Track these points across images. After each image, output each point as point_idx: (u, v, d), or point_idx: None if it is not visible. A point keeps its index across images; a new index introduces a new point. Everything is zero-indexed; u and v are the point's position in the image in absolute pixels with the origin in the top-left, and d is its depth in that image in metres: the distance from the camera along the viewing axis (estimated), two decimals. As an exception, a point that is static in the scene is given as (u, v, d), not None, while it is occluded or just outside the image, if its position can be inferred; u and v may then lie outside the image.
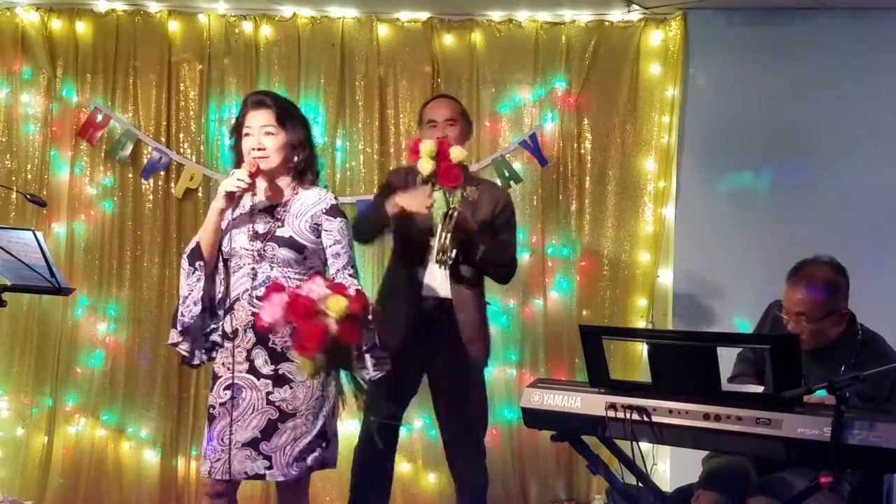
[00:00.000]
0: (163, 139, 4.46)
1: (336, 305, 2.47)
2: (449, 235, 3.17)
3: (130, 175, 4.47)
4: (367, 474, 3.49)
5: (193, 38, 4.49)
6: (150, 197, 4.46)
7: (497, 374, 4.42)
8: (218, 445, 2.74)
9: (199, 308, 2.75)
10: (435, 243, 3.22)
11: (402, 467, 4.40)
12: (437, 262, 3.23)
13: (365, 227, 3.42)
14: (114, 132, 4.44)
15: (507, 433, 4.41)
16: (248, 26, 4.48)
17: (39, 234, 3.08)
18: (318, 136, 4.47)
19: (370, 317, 2.63)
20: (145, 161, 4.44)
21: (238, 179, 2.70)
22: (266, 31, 4.48)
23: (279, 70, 4.48)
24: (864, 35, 4.28)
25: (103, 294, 4.44)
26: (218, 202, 2.75)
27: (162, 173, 4.45)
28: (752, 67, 4.35)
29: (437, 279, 3.36)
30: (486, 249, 3.34)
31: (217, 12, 4.48)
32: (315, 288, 2.54)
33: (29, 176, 4.46)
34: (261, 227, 2.78)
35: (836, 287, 2.81)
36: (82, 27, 4.47)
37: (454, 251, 3.22)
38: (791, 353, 2.46)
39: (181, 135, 4.48)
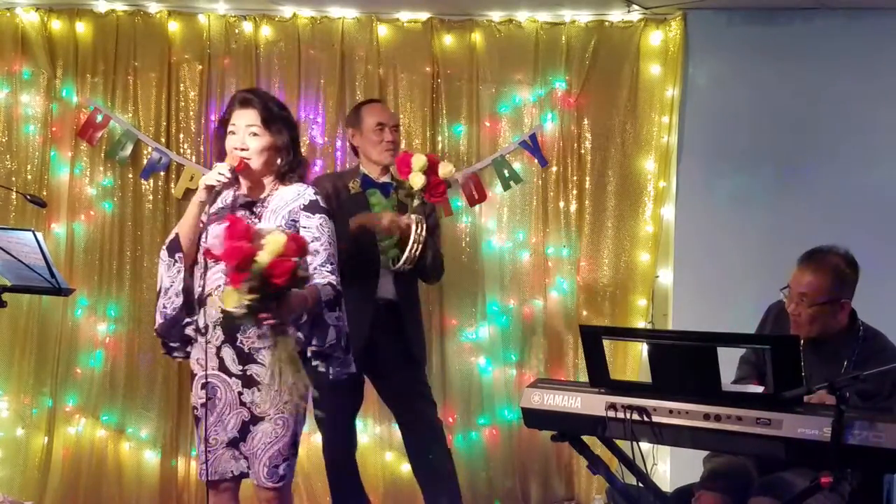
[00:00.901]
0: (163, 139, 4.46)
1: (273, 240, 2.46)
2: (419, 246, 3.25)
3: (130, 175, 4.47)
4: (343, 474, 3.57)
5: (193, 38, 4.49)
6: (150, 197, 4.46)
7: (497, 374, 4.42)
8: (205, 446, 2.73)
9: (180, 300, 2.74)
10: (389, 249, 3.34)
11: (402, 467, 4.40)
12: (400, 269, 3.32)
13: None
14: (114, 132, 4.44)
15: (507, 433, 4.41)
16: (248, 26, 4.48)
17: (39, 235, 3.08)
18: (318, 136, 4.49)
19: (306, 276, 2.59)
20: (145, 161, 4.44)
21: (219, 174, 2.69)
22: (266, 31, 4.48)
23: (279, 70, 4.48)
24: (864, 35, 4.27)
25: (103, 294, 4.44)
26: (198, 195, 2.74)
27: (162, 173, 4.45)
28: (752, 67, 4.35)
29: (385, 283, 3.45)
30: (433, 254, 3.47)
31: (217, 12, 4.48)
32: (267, 226, 2.63)
33: (29, 176, 4.46)
34: None
35: (843, 277, 2.84)
36: (82, 27, 4.47)
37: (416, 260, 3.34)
38: (791, 354, 2.46)
39: (181, 135, 4.48)
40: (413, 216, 3.28)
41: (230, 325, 2.66)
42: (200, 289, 2.74)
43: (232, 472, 2.72)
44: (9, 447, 4.42)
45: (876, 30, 4.27)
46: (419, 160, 3.18)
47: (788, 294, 2.88)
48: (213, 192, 2.73)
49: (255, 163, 2.75)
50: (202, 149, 4.49)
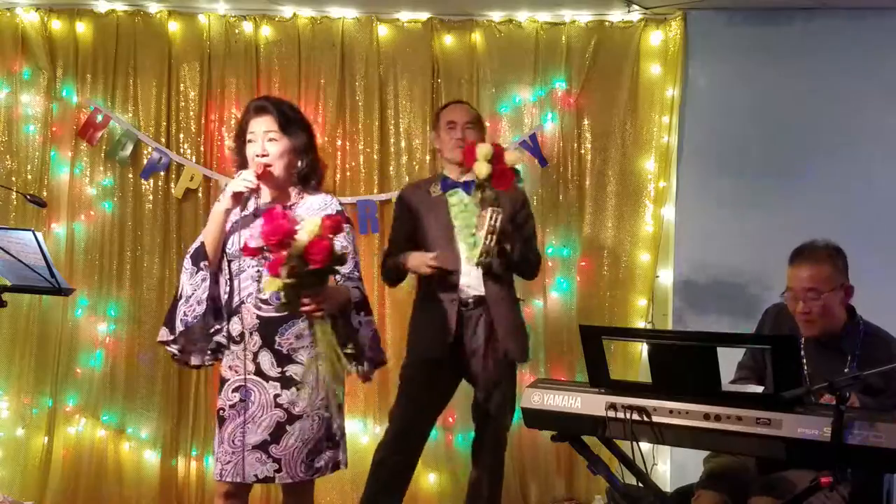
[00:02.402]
0: (163, 139, 4.46)
1: (310, 220, 2.58)
2: (494, 237, 3.25)
3: (130, 175, 4.47)
4: (387, 474, 3.49)
5: (193, 38, 4.49)
6: (150, 197, 4.47)
7: (497, 374, 4.42)
8: (228, 447, 2.74)
9: (202, 308, 2.75)
10: (477, 244, 3.30)
11: (402, 467, 4.40)
12: (478, 263, 3.31)
13: (390, 275, 3.60)
14: (114, 132, 4.45)
15: (508, 433, 4.39)
16: (248, 26, 4.48)
17: (39, 235, 3.08)
18: (318, 136, 4.48)
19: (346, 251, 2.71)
20: (145, 161, 4.44)
21: (245, 180, 2.71)
22: (266, 31, 4.49)
23: (279, 70, 4.48)
24: (864, 35, 4.28)
25: (103, 294, 4.44)
26: (224, 203, 2.76)
27: (162, 173, 4.46)
28: (752, 67, 4.35)
29: (471, 279, 3.44)
30: (519, 248, 3.43)
31: (217, 12, 4.48)
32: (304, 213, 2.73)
33: (29, 176, 4.46)
34: None
35: (839, 261, 2.88)
36: (82, 27, 4.47)
37: (495, 252, 3.33)
38: (791, 353, 2.46)
39: (181, 135, 4.48)
40: (489, 209, 3.27)
41: (281, 311, 2.69)
42: (227, 296, 2.78)
43: (256, 475, 2.73)
44: (9, 447, 4.42)
45: (876, 30, 4.27)
46: (484, 148, 3.22)
47: (790, 296, 2.89)
48: (240, 200, 2.76)
49: (277, 168, 2.79)
50: (202, 149, 4.49)
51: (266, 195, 2.85)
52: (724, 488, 2.77)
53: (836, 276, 2.84)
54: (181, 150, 4.48)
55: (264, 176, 2.76)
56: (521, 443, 4.41)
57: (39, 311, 4.41)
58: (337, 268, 2.74)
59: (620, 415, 2.54)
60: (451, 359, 3.44)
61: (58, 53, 4.47)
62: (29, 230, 3.11)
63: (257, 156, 2.77)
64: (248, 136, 2.81)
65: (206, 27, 4.48)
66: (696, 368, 2.50)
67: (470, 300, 3.44)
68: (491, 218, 3.24)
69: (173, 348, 2.84)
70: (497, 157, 3.24)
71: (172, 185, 4.46)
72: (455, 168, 3.53)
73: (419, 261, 3.40)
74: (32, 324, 4.42)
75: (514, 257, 3.41)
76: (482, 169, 3.20)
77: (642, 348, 4.19)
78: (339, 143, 4.48)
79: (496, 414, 3.52)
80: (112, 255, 4.45)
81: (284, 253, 2.54)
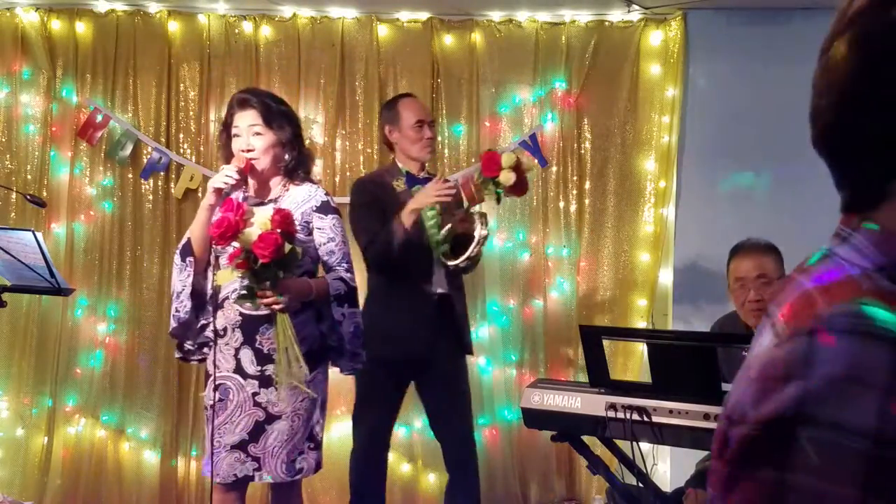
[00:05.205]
0: (163, 139, 4.46)
1: (260, 214, 2.59)
2: (480, 246, 3.28)
3: (130, 175, 4.47)
4: (369, 476, 3.50)
5: (193, 38, 4.49)
6: (150, 197, 4.47)
7: (497, 374, 4.42)
8: (209, 448, 2.75)
9: (190, 303, 2.77)
10: (442, 243, 3.30)
11: (402, 467, 4.40)
12: (462, 264, 3.32)
13: (385, 249, 3.27)
14: (114, 132, 4.44)
15: (507, 433, 4.41)
16: (248, 26, 4.48)
17: (39, 235, 3.08)
18: (318, 136, 4.49)
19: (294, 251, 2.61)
20: (145, 161, 4.44)
21: (226, 176, 2.69)
22: (266, 31, 4.49)
23: (279, 70, 4.48)
24: (864, 35, 4.27)
25: (103, 294, 4.44)
26: (207, 198, 2.76)
27: (162, 173, 4.45)
28: (752, 67, 4.35)
29: (439, 277, 3.43)
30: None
31: (217, 12, 4.48)
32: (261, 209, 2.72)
33: (29, 176, 4.46)
34: None
35: (778, 254, 2.99)
36: (82, 27, 4.47)
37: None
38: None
39: (181, 135, 4.48)
40: (476, 214, 3.28)
41: (242, 305, 2.70)
42: (212, 290, 2.79)
43: (235, 475, 2.73)
44: (9, 447, 4.42)
45: (876, 30, 4.27)
46: (510, 158, 3.22)
47: (738, 287, 2.95)
48: (221, 195, 2.75)
49: (263, 162, 2.78)
50: (202, 149, 4.49)
51: (252, 189, 2.85)
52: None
53: (778, 266, 2.94)
54: (181, 150, 4.47)
55: (249, 170, 2.75)
56: (521, 443, 4.41)
57: (39, 311, 4.41)
58: (324, 258, 2.76)
59: (620, 415, 2.54)
60: (412, 355, 3.40)
61: (57, 53, 4.47)
62: (29, 230, 3.11)
63: (241, 150, 2.76)
64: (234, 131, 2.79)
65: (205, 27, 4.48)
66: (696, 368, 2.51)
67: (439, 296, 3.44)
68: (481, 226, 3.23)
69: (187, 344, 2.87)
70: (517, 165, 3.25)
71: (172, 185, 4.45)
72: (414, 165, 3.51)
73: (425, 194, 3.24)
74: (32, 324, 4.42)
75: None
76: (509, 177, 3.18)
77: (642, 348, 4.18)
78: (339, 143, 4.48)
79: (464, 413, 3.53)
80: (112, 255, 4.45)
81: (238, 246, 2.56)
